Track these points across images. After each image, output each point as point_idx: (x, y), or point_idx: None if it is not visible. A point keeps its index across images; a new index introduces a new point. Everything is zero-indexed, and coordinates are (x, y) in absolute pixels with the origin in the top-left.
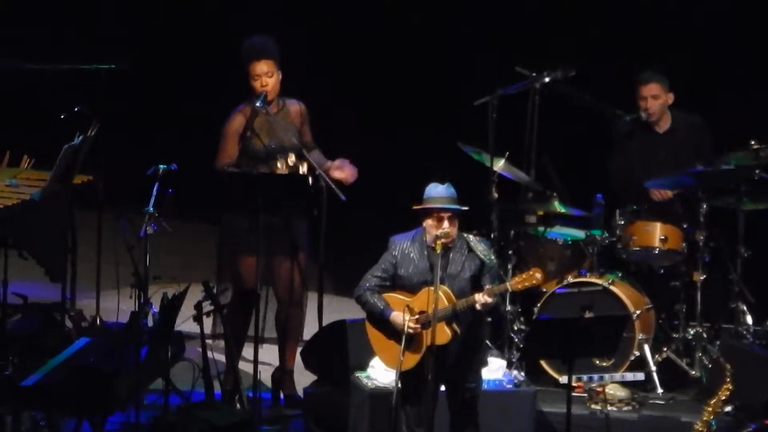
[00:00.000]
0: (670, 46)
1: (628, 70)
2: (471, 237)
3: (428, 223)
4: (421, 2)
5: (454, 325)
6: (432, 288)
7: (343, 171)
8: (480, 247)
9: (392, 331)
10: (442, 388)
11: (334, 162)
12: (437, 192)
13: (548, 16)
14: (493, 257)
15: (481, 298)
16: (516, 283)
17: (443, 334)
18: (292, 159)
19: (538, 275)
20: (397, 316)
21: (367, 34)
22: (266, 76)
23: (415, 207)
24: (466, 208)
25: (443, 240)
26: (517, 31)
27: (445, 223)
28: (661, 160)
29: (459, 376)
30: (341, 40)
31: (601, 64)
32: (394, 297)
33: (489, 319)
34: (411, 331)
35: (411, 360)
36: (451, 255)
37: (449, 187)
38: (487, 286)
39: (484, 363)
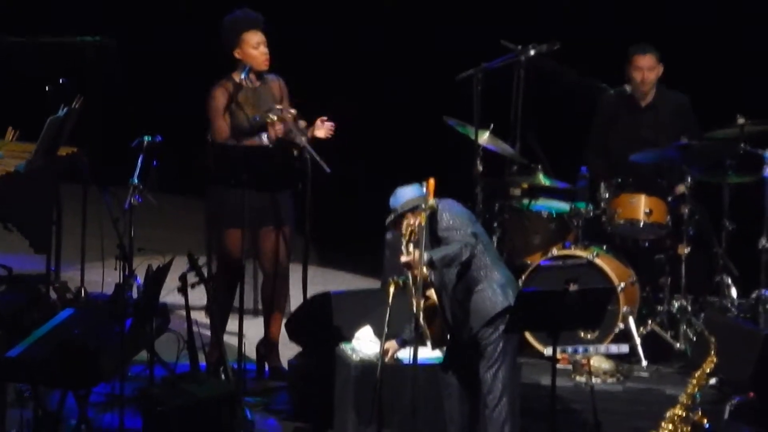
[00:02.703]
0: (661, 22)
1: (615, 43)
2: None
3: None
4: None
5: (425, 296)
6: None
7: (322, 129)
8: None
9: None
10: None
11: (315, 123)
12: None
13: None
14: (440, 219)
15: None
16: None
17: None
18: (272, 118)
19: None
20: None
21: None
22: (263, 45)
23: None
24: (396, 215)
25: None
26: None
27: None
28: (644, 135)
29: (468, 334)
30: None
31: (586, 36)
32: None
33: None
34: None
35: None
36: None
37: (393, 196)
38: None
39: (488, 313)
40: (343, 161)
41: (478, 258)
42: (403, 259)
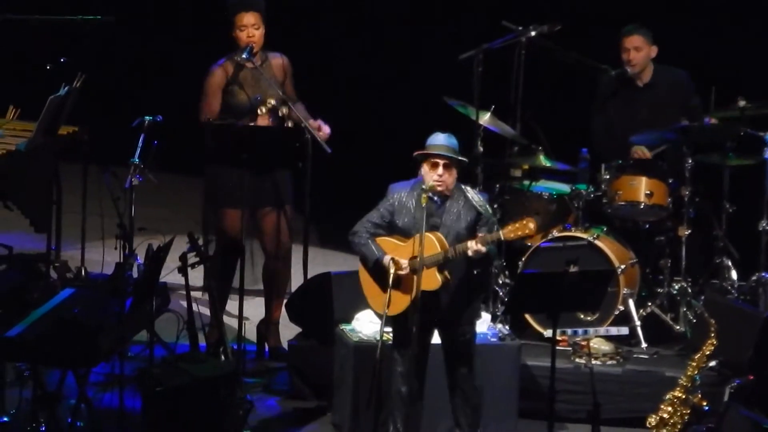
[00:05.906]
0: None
1: (616, 25)
2: (469, 189)
3: (425, 169)
4: None
5: (446, 273)
6: (423, 233)
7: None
8: (477, 198)
9: (384, 276)
10: (436, 339)
11: (317, 121)
12: (437, 140)
13: None
14: (489, 209)
15: (473, 245)
16: (509, 232)
17: (433, 280)
18: (271, 102)
19: (531, 225)
20: (389, 260)
21: None
22: (253, 27)
23: (415, 153)
24: (462, 158)
25: (438, 186)
26: None
27: (440, 170)
28: (642, 115)
29: (451, 323)
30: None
31: (588, 19)
32: (388, 241)
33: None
34: (395, 271)
35: (401, 304)
36: (447, 204)
37: (450, 137)
38: (480, 234)
39: (478, 315)
40: (343, 141)
41: None
42: (480, 247)
